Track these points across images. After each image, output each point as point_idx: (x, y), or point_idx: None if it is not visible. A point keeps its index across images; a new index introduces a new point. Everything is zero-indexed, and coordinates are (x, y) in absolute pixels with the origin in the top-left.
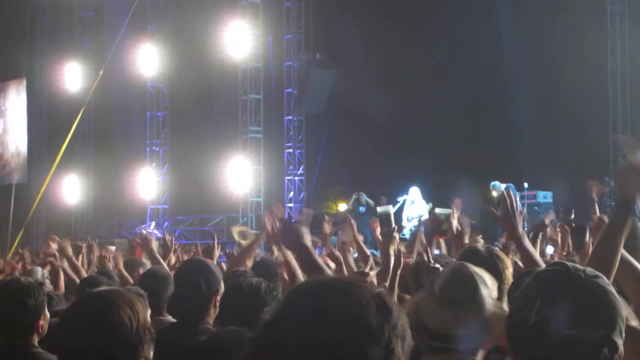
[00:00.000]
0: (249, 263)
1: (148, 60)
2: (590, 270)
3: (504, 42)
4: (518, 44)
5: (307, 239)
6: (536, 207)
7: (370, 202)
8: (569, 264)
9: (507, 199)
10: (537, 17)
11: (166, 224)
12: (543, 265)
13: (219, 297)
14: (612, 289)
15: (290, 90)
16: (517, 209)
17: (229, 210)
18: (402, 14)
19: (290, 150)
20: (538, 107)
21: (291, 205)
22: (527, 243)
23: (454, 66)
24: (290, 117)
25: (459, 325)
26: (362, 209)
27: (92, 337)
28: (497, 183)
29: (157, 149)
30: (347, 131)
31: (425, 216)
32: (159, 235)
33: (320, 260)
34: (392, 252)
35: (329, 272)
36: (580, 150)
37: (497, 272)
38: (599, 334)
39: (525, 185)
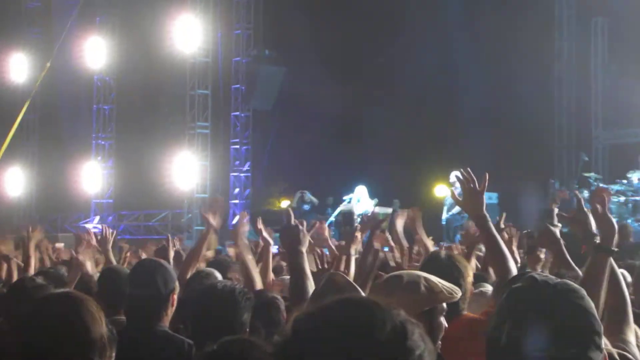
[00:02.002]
0: (202, 262)
1: (96, 52)
2: (562, 285)
3: (454, 41)
4: (468, 43)
5: (305, 245)
6: None
7: (314, 200)
8: (539, 278)
9: (466, 180)
10: (488, 18)
11: (110, 218)
12: (508, 255)
13: (175, 297)
14: (586, 303)
15: (237, 86)
16: (477, 187)
17: (174, 205)
18: (351, 11)
19: (237, 147)
20: (486, 108)
21: (236, 201)
22: (491, 225)
23: (403, 64)
24: (237, 113)
25: None
26: (306, 207)
27: (59, 339)
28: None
29: (103, 142)
30: (294, 128)
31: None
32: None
33: (307, 268)
34: (353, 251)
35: (310, 278)
36: (526, 152)
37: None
38: (572, 352)
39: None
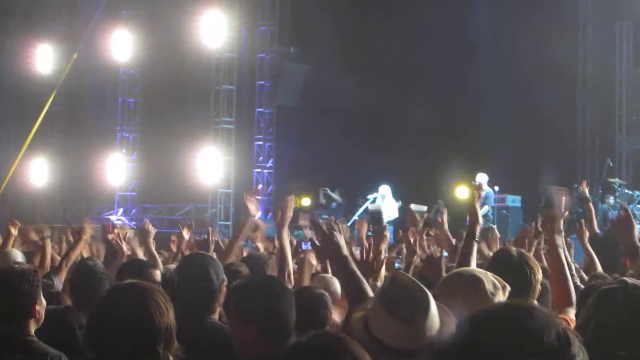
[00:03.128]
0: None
1: (121, 45)
2: None
3: (478, 42)
4: (492, 45)
5: (345, 247)
6: (504, 211)
7: (337, 197)
8: (630, 281)
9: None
10: (511, 20)
11: (134, 211)
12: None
13: (225, 287)
14: None
15: (262, 82)
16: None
17: (197, 200)
18: (377, 10)
19: (261, 143)
20: (509, 111)
21: (259, 197)
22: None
23: (429, 65)
24: (261, 109)
25: (415, 340)
26: (334, 204)
27: (129, 329)
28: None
29: (127, 135)
30: (318, 126)
31: (396, 214)
32: (126, 222)
33: (358, 271)
34: (383, 249)
35: (366, 283)
36: (550, 156)
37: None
38: None
39: (496, 188)
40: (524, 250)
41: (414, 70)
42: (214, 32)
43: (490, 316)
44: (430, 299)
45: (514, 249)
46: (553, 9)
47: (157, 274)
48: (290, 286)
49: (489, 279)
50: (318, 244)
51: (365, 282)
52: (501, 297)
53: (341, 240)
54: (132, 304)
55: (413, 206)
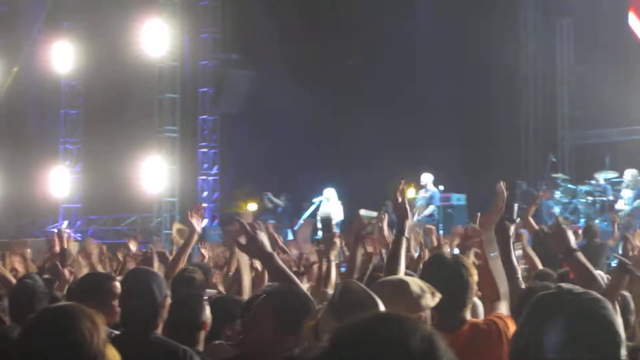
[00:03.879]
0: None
1: (63, 57)
2: (585, 294)
3: (421, 42)
4: (435, 44)
5: (269, 246)
6: (450, 210)
7: (279, 201)
8: (565, 287)
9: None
10: (455, 19)
11: (79, 223)
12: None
13: (168, 302)
14: (609, 313)
15: (205, 89)
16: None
17: (142, 210)
18: (318, 15)
19: (205, 150)
20: (452, 110)
21: (205, 205)
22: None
23: (370, 66)
24: (205, 117)
25: None
26: (279, 209)
27: (54, 351)
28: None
29: (70, 147)
30: (262, 132)
31: (341, 216)
32: (72, 234)
33: (285, 267)
34: (332, 257)
35: (295, 278)
36: (493, 153)
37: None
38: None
39: (441, 187)
40: (459, 254)
41: (357, 73)
42: (156, 40)
43: (353, 327)
44: (378, 305)
45: (448, 253)
46: (494, 6)
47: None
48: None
49: (416, 282)
50: (243, 244)
51: (293, 277)
52: (429, 300)
53: (264, 238)
54: (59, 328)
55: (362, 211)
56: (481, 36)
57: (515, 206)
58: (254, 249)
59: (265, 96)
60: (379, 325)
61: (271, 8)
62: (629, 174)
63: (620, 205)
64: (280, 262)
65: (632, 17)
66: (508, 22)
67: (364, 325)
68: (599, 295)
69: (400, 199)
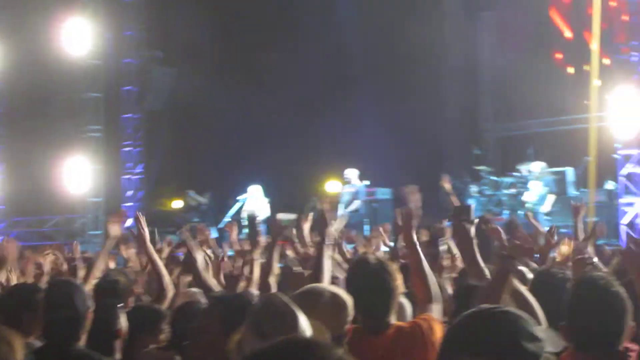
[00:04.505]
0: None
1: None
2: (500, 315)
3: (346, 38)
4: (359, 40)
5: (200, 257)
6: (375, 204)
7: (202, 199)
8: (485, 308)
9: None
10: (378, 14)
11: (2, 225)
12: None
13: (90, 314)
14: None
15: (129, 87)
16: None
17: (67, 210)
18: (240, 12)
19: (129, 149)
20: (377, 105)
21: (129, 204)
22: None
23: (292, 62)
24: (129, 115)
25: None
26: (203, 207)
27: None
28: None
29: None
30: (187, 129)
31: (268, 213)
32: None
33: (207, 276)
34: (256, 256)
35: (214, 287)
36: (417, 146)
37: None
38: None
39: (366, 182)
40: (382, 257)
41: (281, 68)
42: (79, 39)
43: (265, 354)
44: (298, 319)
45: (372, 256)
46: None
47: None
48: None
49: (337, 292)
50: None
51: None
52: (349, 310)
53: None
54: None
55: (280, 215)
56: (405, 29)
57: (472, 206)
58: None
59: (189, 94)
60: (291, 353)
61: (194, 5)
62: (537, 166)
63: (528, 197)
64: (204, 273)
65: (552, 10)
66: (430, 15)
67: (275, 352)
68: (517, 314)
69: (322, 208)
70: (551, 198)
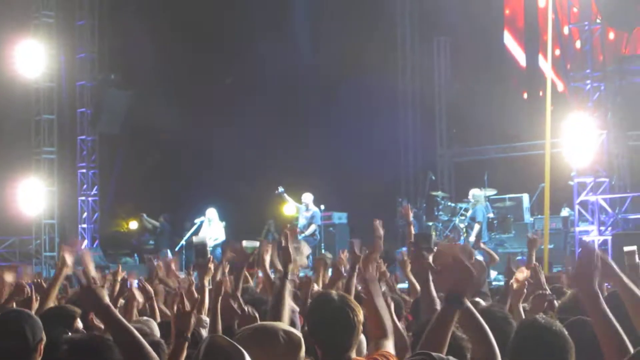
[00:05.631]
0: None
1: None
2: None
3: (300, 60)
4: (314, 63)
5: (106, 299)
6: (331, 229)
7: (155, 222)
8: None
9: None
10: (334, 37)
11: None
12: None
13: (42, 346)
14: None
15: (83, 109)
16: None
17: (21, 232)
18: (197, 35)
19: (84, 171)
20: (332, 130)
21: (85, 225)
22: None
23: (246, 87)
24: (83, 137)
25: None
26: (158, 229)
27: None
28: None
29: None
30: (142, 151)
31: (223, 237)
32: None
33: (122, 320)
34: (206, 283)
35: (136, 334)
36: (373, 171)
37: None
38: None
39: (322, 207)
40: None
41: (238, 93)
42: (32, 61)
43: None
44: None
45: (334, 292)
46: (373, 24)
47: None
48: None
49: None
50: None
51: (133, 332)
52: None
53: (101, 291)
54: None
55: (245, 242)
56: (360, 53)
57: (432, 236)
58: (89, 303)
59: (144, 116)
60: None
61: (149, 28)
62: (472, 193)
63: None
64: (118, 316)
65: (507, 36)
66: (387, 40)
67: None
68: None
69: (284, 243)
70: (476, 227)
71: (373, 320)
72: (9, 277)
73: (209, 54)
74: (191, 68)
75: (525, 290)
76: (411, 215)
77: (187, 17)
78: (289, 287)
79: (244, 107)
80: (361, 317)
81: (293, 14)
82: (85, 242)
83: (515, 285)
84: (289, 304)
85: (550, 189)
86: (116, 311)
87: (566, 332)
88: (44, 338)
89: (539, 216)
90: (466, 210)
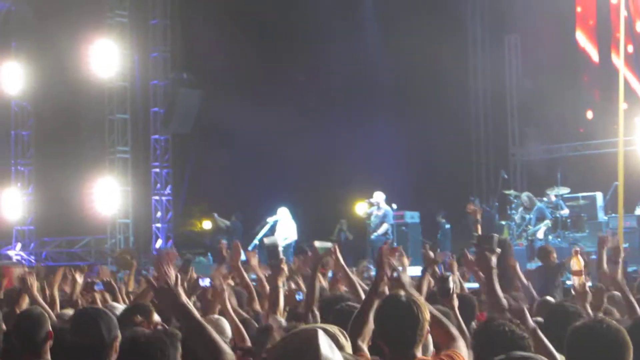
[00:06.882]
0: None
1: (12, 77)
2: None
3: (372, 60)
4: (386, 62)
5: (184, 298)
6: (404, 228)
7: (226, 222)
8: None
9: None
10: (404, 37)
11: (32, 245)
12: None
13: (117, 344)
14: None
15: (156, 109)
16: None
17: (96, 231)
18: (268, 33)
19: (158, 170)
20: (403, 128)
21: (159, 225)
22: None
23: (320, 84)
24: (157, 137)
25: None
26: (231, 228)
27: None
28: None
29: (22, 168)
30: (214, 150)
31: (294, 237)
32: (26, 258)
33: (201, 319)
34: (280, 284)
35: (215, 335)
36: (444, 169)
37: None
38: None
39: (394, 206)
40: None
41: (308, 91)
42: (106, 61)
43: None
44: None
45: (402, 292)
46: (443, 23)
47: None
48: None
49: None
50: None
51: (209, 330)
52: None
53: (176, 291)
54: None
55: (317, 243)
56: (432, 54)
57: (495, 237)
58: (166, 302)
59: (216, 115)
60: None
61: (221, 27)
62: (525, 196)
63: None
64: (197, 315)
65: (579, 33)
66: (458, 38)
67: None
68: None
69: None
70: (543, 226)
71: (437, 333)
72: (79, 277)
73: (278, 53)
74: (261, 67)
75: (588, 292)
76: (479, 214)
77: (257, 16)
78: (374, 305)
79: (314, 106)
80: (427, 314)
81: (363, 12)
82: (160, 241)
83: (577, 291)
84: (370, 321)
85: (624, 187)
86: (193, 309)
87: (624, 332)
88: (119, 335)
89: (613, 215)
90: (554, 207)
